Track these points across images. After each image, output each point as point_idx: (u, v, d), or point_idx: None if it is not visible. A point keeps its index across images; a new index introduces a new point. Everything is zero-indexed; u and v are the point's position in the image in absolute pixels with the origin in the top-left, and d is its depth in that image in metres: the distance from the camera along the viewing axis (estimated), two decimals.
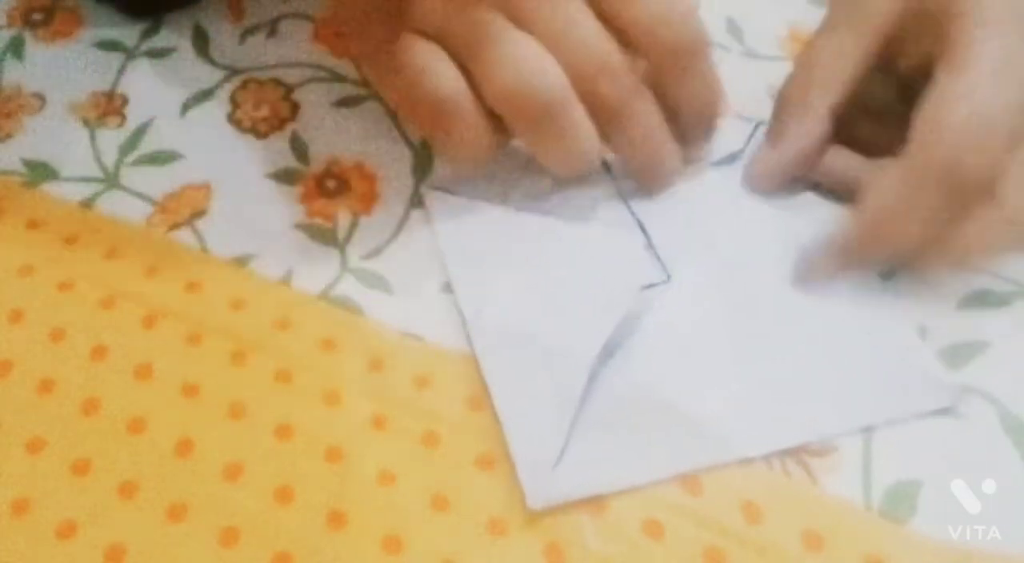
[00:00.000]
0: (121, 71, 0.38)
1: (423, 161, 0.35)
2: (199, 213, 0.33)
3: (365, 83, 0.37)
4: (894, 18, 0.31)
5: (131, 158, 0.35)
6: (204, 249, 0.32)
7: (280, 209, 0.33)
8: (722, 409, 0.28)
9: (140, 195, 0.33)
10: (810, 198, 0.33)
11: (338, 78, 0.37)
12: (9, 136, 0.35)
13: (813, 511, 0.26)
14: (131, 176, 0.34)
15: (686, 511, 0.26)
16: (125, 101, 0.37)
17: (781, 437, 0.27)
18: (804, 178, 0.33)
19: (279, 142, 0.35)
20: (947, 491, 0.27)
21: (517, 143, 0.32)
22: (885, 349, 0.29)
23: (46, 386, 0.29)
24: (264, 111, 0.36)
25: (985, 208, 0.28)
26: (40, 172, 0.34)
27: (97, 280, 0.31)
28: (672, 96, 0.31)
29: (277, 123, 0.36)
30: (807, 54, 0.33)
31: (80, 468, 0.27)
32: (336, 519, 0.26)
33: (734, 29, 0.39)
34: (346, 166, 0.34)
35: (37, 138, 0.35)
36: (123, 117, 0.36)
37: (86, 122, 0.36)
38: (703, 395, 0.28)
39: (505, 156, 0.33)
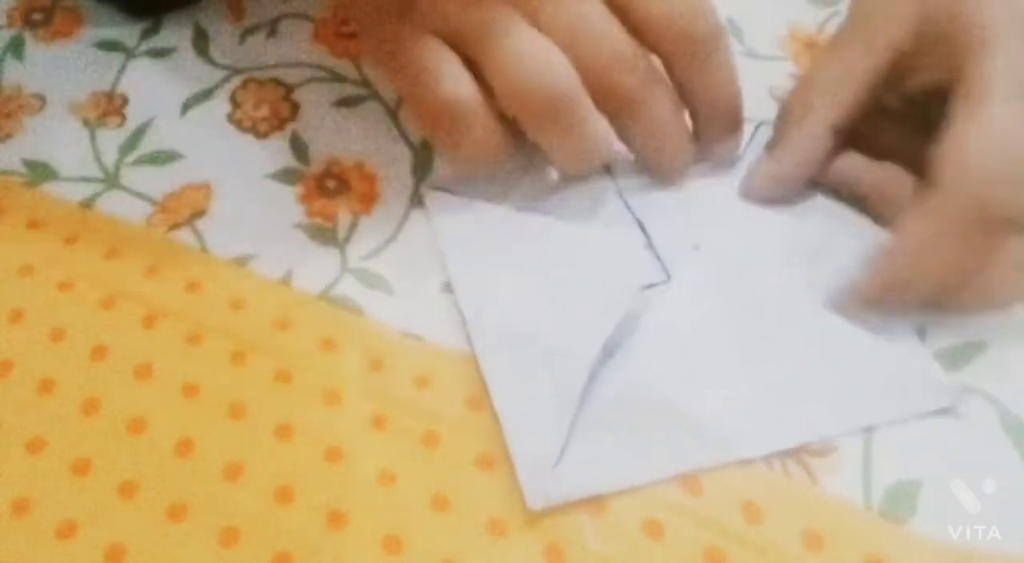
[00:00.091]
0: (121, 71, 0.38)
1: (423, 161, 0.35)
2: (199, 213, 0.33)
3: (365, 83, 0.37)
4: (904, 36, 0.30)
5: (131, 158, 0.35)
6: (204, 249, 0.32)
7: (280, 209, 0.33)
8: (722, 409, 0.28)
9: (140, 195, 0.33)
10: (811, 199, 0.33)
11: (338, 78, 0.37)
12: (9, 136, 0.35)
13: (813, 511, 0.26)
14: (131, 176, 0.34)
15: (686, 511, 0.26)
16: (125, 101, 0.37)
17: (781, 438, 0.27)
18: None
19: (279, 142, 0.35)
20: (947, 491, 0.27)
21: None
22: (884, 350, 0.29)
23: (46, 386, 0.29)
24: (264, 111, 0.36)
25: (1014, 243, 0.28)
26: (40, 172, 0.34)
27: (97, 280, 0.31)
28: (688, 90, 0.31)
29: (277, 123, 0.36)
30: (812, 68, 0.33)
31: (80, 468, 0.27)
32: (336, 519, 0.26)
33: (734, 29, 0.39)
34: (346, 166, 0.34)
35: (37, 138, 0.35)
36: (123, 117, 0.36)
37: (86, 122, 0.36)
38: (703, 395, 0.28)
39: (506, 156, 0.33)
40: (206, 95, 0.37)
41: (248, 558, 0.25)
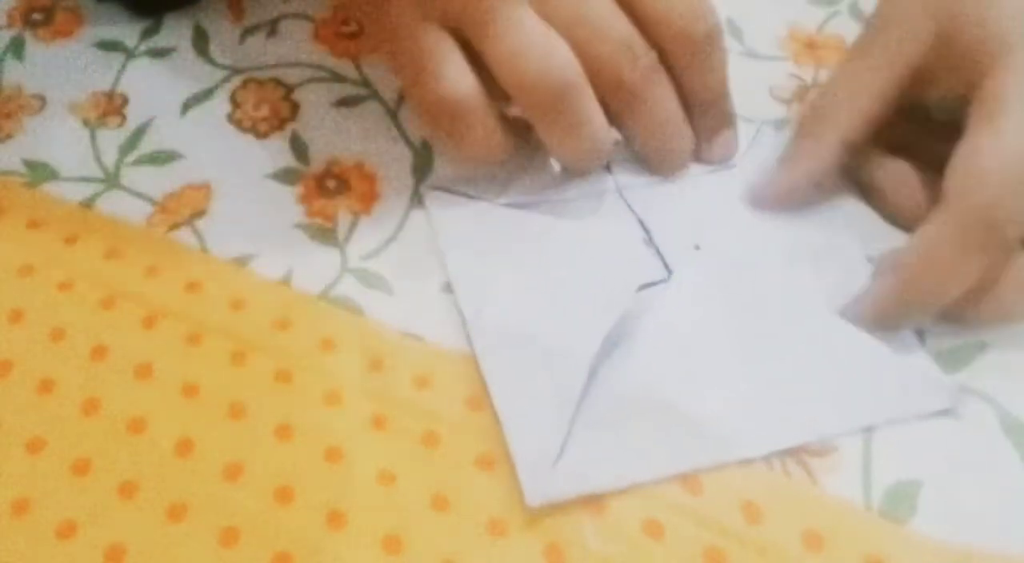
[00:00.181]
0: (121, 71, 0.38)
1: (423, 161, 0.35)
2: (199, 213, 0.33)
3: (365, 83, 0.37)
4: (921, 50, 0.30)
5: (131, 158, 0.35)
6: (204, 249, 0.32)
7: (280, 209, 0.33)
8: (722, 409, 0.28)
9: (140, 195, 0.33)
10: (813, 198, 0.32)
11: (338, 78, 0.37)
12: (9, 136, 0.35)
13: (813, 511, 0.26)
14: (131, 176, 0.34)
15: (686, 511, 0.26)
16: (125, 101, 0.37)
17: (781, 437, 0.27)
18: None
19: (279, 142, 0.35)
20: (947, 491, 0.27)
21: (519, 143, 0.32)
22: (884, 350, 0.29)
23: (46, 386, 0.29)
24: (264, 111, 0.36)
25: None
26: (40, 172, 0.34)
27: (97, 280, 0.31)
28: (687, 88, 0.32)
29: (277, 123, 0.36)
30: (829, 81, 0.32)
31: (80, 468, 0.27)
32: (336, 519, 0.26)
33: (734, 29, 0.39)
34: (346, 166, 0.34)
35: (37, 138, 0.35)
36: (123, 117, 0.36)
37: (86, 122, 0.36)
38: (703, 394, 0.28)
39: (506, 155, 0.33)
40: (206, 95, 0.37)
41: (248, 558, 0.25)
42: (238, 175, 0.34)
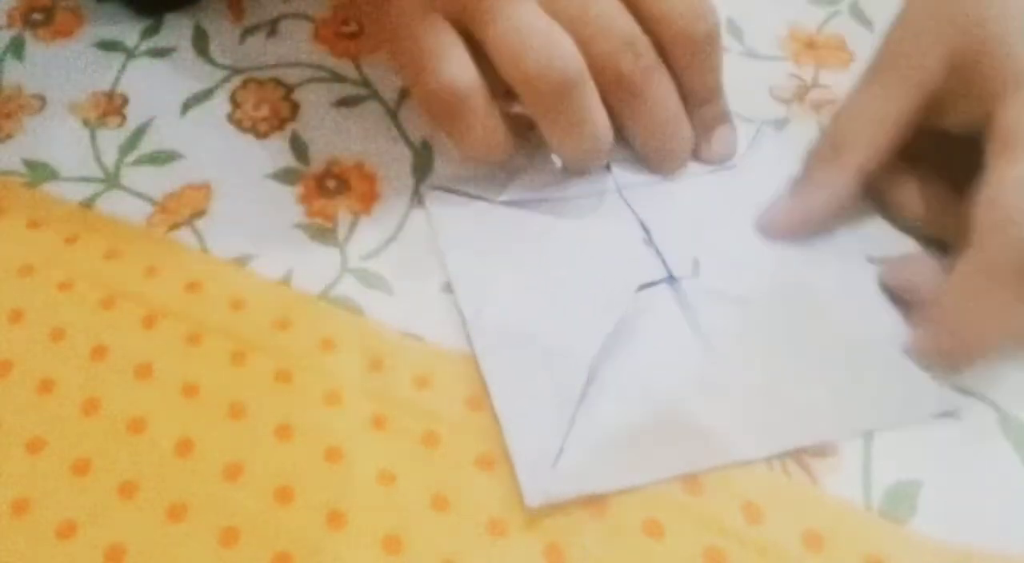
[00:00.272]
0: (121, 71, 0.38)
1: (423, 161, 0.35)
2: (199, 213, 0.33)
3: (365, 83, 0.37)
4: (935, 78, 0.30)
5: (131, 158, 0.35)
6: (204, 249, 0.32)
7: (280, 209, 0.33)
8: (722, 411, 0.28)
9: (140, 195, 0.33)
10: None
11: (338, 78, 0.37)
12: (9, 136, 0.35)
13: (813, 511, 0.26)
14: (131, 176, 0.34)
15: (686, 511, 0.26)
16: (125, 101, 0.37)
17: (781, 441, 0.27)
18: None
19: (279, 142, 0.35)
20: (947, 491, 0.27)
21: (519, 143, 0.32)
22: (885, 354, 0.29)
23: (46, 386, 0.29)
24: (264, 111, 0.36)
25: None
26: (40, 172, 0.34)
27: (97, 280, 0.31)
28: (686, 88, 0.32)
29: (277, 123, 0.36)
30: (843, 109, 0.32)
31: (80, 468, 0.27)
32: (336, 519, 0.26)
33: (734, 29, 0.39)
34: (346, 166, 0.34)
35: (37, 138, 0.35)
36: (123, 117, 0.36)
37: (86, 122, 0.36)
38: (704, 396, 0.28)
39: (507, 153, 0.33)
40: (206, 95, 0.37)
41: (248, 558, 0.25)
42: (238, 175, 0.34)
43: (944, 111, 0.30)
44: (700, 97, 0.33)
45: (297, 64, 0.38)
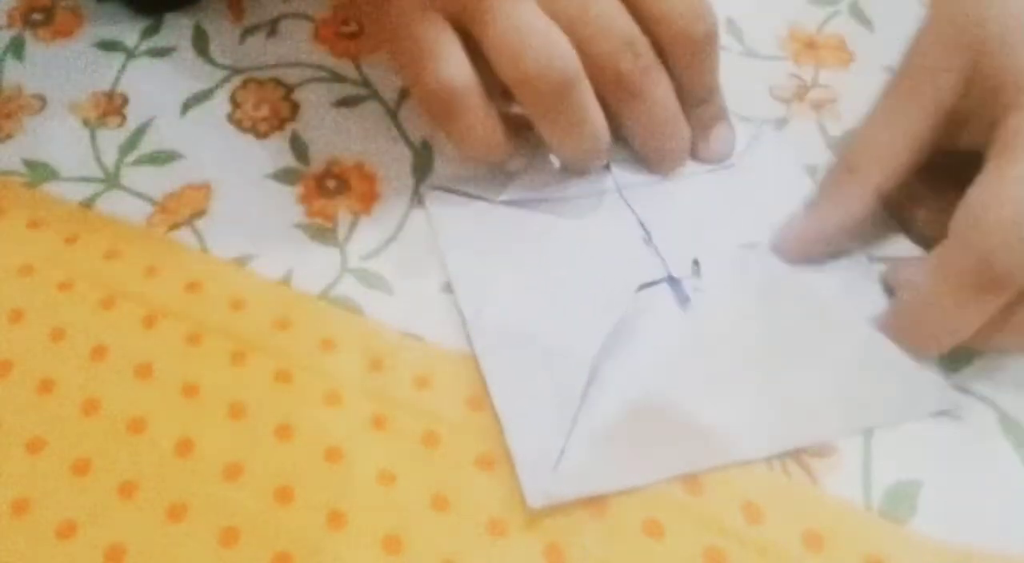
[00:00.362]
0: (121, 71, 0.38)
1: (423, 161, 0.35)
2: (199, 213, 0.33)
3: (365, 83, 0.37)
4: (953, 94, 0.29)
5: (131, 158, 0.35)
6: (204, 249, 0.32)
7: (280, 209, 0.33)
8: (723, 411, 0.27)
9: (140, 195, 0.33)
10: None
11: (338, 78, 0.37)
12: (9, 136, 0.35)
13: (813, 511, 0.26)
14: (131, 176, 0.34)
15: (686, 511, 0.26)
16: (125, 101, 0.37)
17: (783, 440, 0.27)
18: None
19: (279, 142, 0.35)
20: (947, 491, 0.27)
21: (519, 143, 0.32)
22: (886, 353, 0.29)
23: (46, 386, 0.29)
24: (264, 111, 0.36)
25: None
26: (40, 172, 0.34)
27: (97, 280, 0.31)
28: (685, 88, 0.32)
29: (277, 123, 0.36)
30: (861, 132, 0.31)
31: (80, 468, 0.27)
32: (336, 519, 0.26)
33: (734, 29, 0.39)
34: (346, 166, 0.34)
35: (37, 138, 0.35)
36: (123, 117, 0.36)
37: (86, 122, 0.36)
38: (705, 396, 0.28)
39: (506, 154, 0.33)
40: (206, 95, 0.37)
41: (248, 558, 0.25)
42: (238, 175, 0.34)
43: (959, 128, 0.30)
44: (698, 97, 0.33)
45: (297, 64, 0.38)
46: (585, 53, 0.29)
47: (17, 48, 0.38)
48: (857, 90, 0.36)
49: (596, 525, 0.26)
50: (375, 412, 0.28)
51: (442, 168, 0.34)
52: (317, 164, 0.34)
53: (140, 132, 0.35)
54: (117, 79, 0.37)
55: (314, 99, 0.37)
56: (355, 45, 0.38)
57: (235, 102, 0.36)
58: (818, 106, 0.36)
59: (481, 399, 0.28)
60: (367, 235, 0.32)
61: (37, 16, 0.40)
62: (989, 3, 0.29)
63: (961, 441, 0.28)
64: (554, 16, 0.30)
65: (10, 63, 0.38)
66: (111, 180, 0.34)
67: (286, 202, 0.33)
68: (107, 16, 0.39)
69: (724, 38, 0.38)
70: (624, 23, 0.30)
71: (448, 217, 0.32)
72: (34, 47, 0.39)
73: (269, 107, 0.36)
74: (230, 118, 0.36)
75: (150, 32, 0.39)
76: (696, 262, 0.31)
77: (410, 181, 0.34)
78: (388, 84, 0.37)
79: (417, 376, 0.29)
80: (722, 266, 0.31)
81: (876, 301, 0.30)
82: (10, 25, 0.39)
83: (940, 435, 0.28)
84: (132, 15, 0.39)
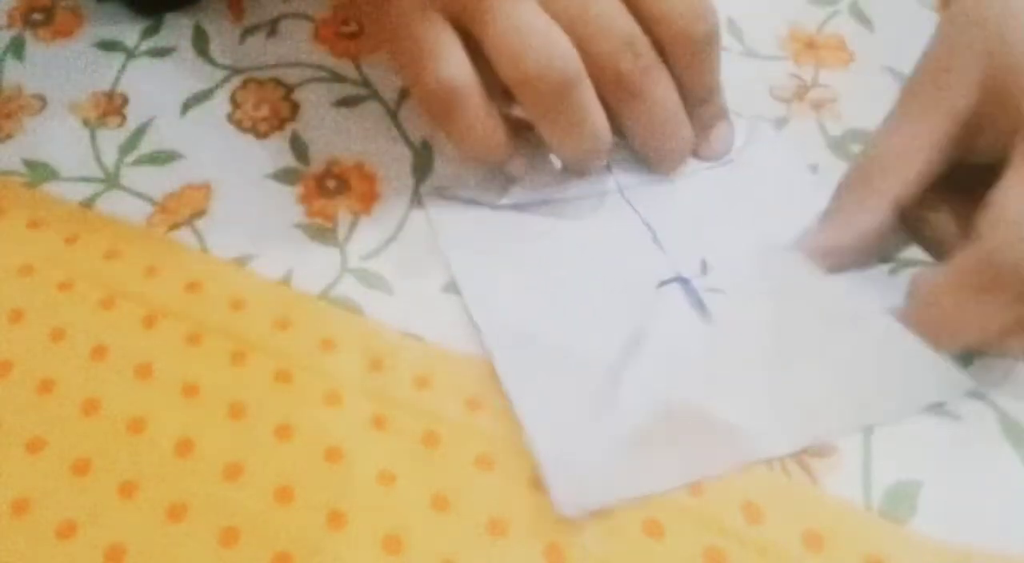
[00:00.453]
0: (121, 71, 0.38)
1: (423, 161, 0.35)
2: (199, 213, 0.33)
3: (365, 83, 0.37)
4: (972, 102, 0.29)
5: (131, 158, 0.35)
6: (204, 249, 0.32)
7: (280, 209, 0.33)
8: (746, 410, 0.27)
9: (140, 195, 0.33)
10: (815, 198, 0.32)
11: (338, 78, 0.37)
12: (9, 136, 0.35)
13: (813, 511, 0.26)
14: (131, 176, 0.34)
15: (686, 511, 0.26)
16: (125, 101, 0.37)
17: (804, 437, 0.27)
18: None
19: (279, 142, 0.35)
20: (947, 491, 0.27)
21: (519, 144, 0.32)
22: (895, 345, 0.28)
23: (46, 386, 0.29)
24: (264, 111, 0.36)
25: None
26: (40, 172, 0.34)
27: (97, 280, 0.31)
28: (686, 88, 0.32)
29: (277, 123, 0.36)
30: (876, 141, 0.31)
31: (80, 468, 0.27)
32: (336, 519, 0.26)
33: (734, 29, 0.39)
34: (346, 166, 0.34)
35: (37, 138, 0.35)
36: (123, 117, 0.36)
37: (86, 122, 0.36)
38: (728, 396, 0.27)
39: (506, 155, 0.32)
40: (206, 95, 0.37)
41: (248, 558, 0.25)
42: (238, 175, 0.34)
43: (976, 137, 0.29)
44: (699, 96, 0.33)
45: (297, 64, 0.38)
46: (585, 53, 0.30)
47: (17, 48, 0.38)
48: (857, 90, 0.36)
49: (596, 525, 0.26)
50: (375, 412, 0.28)
51: (442, 168, 0.34)
52: (317, 164, 0.34)
53: (140, 132, 0.35)
54: (117, 79, 0.37)
55: (314, 99, 0.37)
56: (355, 45, 0.38)
57: (235, 102, 0.36)
58: (818, 106, 0.36)
59: (481, 399, 0.28)
60: (367, 235, 0.32)
61: (37, 16, 0.40)
62: (1003, 10, 0.29)
63: (961, 441, 0.28)
64: (555, 16, 0.30)
65: (10, 63, 0.38)
66: (111, 180, 0.34)
67: (286, 202, 0.33)
68: (107, 16, 0.39)
69: (724, 38, 0.38)
70: (625, 23, 0.30)
71: (448, 218, 0.32)
72: (34, 47, 0.39)
73: (269, 107, 0.36)
74: (230, 118, 0.36)
75: (150, 32, 0.39)
76: (704, 261, 0.30)
77: (410, 181, 0.34)
78: (388, 84, 0.37)
79: (417, 376, 0.29)
80: (738, 266, 0.30)
81: (894, 302, 0.30)
82: (10, 25, 0.39)
83: (940, 435, 0.28)
84: (132, 15, 0.39)
